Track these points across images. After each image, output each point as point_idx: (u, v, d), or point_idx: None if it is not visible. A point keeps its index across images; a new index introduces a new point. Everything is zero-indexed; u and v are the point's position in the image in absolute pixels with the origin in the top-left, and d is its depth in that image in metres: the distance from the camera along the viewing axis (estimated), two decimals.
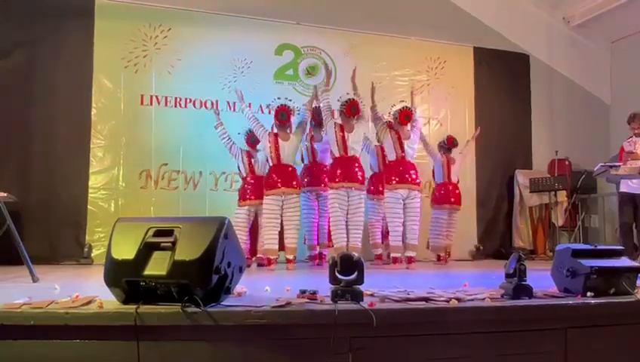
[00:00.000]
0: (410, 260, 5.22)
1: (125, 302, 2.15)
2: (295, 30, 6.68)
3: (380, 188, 5.56)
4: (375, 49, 6.92)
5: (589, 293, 2.51)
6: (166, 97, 6.14)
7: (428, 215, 5.91)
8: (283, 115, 5.13)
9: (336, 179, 5.04)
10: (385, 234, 5.63)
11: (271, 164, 5.15)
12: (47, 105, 5.71)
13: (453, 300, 2.32)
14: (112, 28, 5.98)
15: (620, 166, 5.07)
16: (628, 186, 5.40)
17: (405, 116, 5.30)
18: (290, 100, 5.37)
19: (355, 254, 2.31)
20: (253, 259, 5.36)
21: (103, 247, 5.22)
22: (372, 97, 5.42)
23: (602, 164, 5.22)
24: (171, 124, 6.12)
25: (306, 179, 5.44)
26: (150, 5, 6.17)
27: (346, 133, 5.08)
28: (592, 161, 6.25)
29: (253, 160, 5.42)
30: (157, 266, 2.11)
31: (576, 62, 7.93)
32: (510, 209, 7.42)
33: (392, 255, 5.28)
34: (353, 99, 5.13)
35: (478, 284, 3.06)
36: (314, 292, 2.36)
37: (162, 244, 2.16)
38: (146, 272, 2.11)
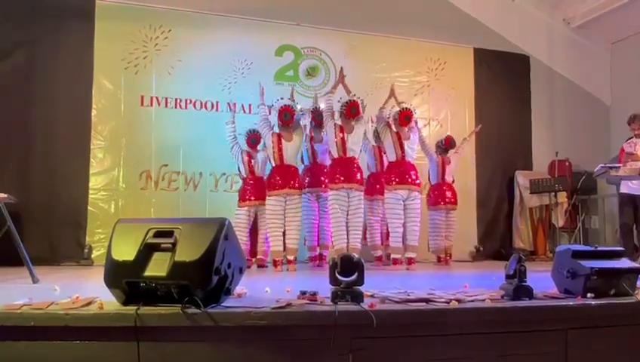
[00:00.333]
0: (410, 261, 5.22)
1: (125, 303, 2.15)
2: (295, 31, 6.68)
3: (377, 188, 5.56)
4: (375, 50, 6.93)
5: (589, 294, 2.51)
6: (166, 98, 6.15)
7: (426, 216, 5.90)
8: (287, 115, 5.13)
9: (336, 180, 5.04)
10: (385, 236, 5.64)
11: (273, 165, 5.16)
12: (47, 106, 5.71)
13: (453, 301, 2.31)
14: (113, 29, 5.98)
15: (620, 167, 5.07)
16: (628, 187, 5.39)
17: (405, 117, 5.31)
18: (294, 101, 5.39)
19: (356, 255, 2.31)
20: (254, 260, 5.36)
21: (103, 248, 5.22)
22: (387, 99, 5.49)
23: (602, 165, 5.22)
24: (171, 125, 6.12)
25: (306, 180, 5.44)
26: (150, 6, 6.17)
27: (345, 135, 5.09)
28: (592, 162, 6.25)
29: (253, 160, 5.42)
30: (157, 267, 2.11)
31: (576, 63, 7.93)
32: (510, 210, 7.42)
33: (393, 256, 5.28)
34: (354, 101, 5.13)
35: (479, 285, 3.06)
36: (314, 294, 2.36)
37: (162, 245, 2.16)
38: (146, 273, 2.11)
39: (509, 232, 7.39)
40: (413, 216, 5.24)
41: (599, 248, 2.79)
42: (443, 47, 7.25)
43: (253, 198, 5.28)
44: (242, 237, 5.06)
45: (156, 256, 2.15)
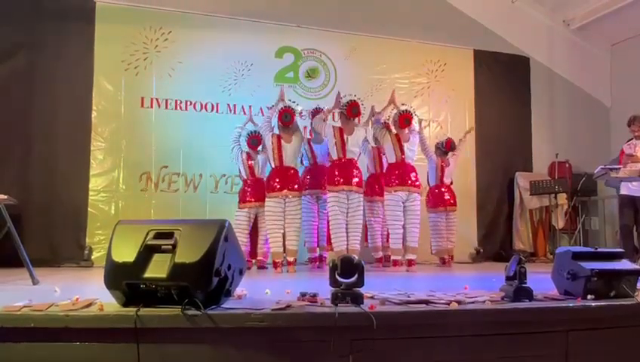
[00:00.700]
0: (410, 263, 5.21)
1: (125, 304, 2.15)
2: (295, 33, 6.69)
3: (377, 190, 5.56)
4: (375, 52, 6.94)
5: (589, 296, 2.51)
6: (166, 100, 6.15)
7: (426, 218, 5.89)
8: (287, 116, 5.13)
9: (336, 182, 5.04)
10: (385, 237, 5.63)
11: (273, 166, 5.16)
12: (47, 107, 5.72)
13: (453, 303, 2.31)
14: (113, 30, 5.99)
15: (620, 168, 5.07)
16: (628, 189, 5.39)
17: (405, 120, 5.30)
18: (295, 102, 5.40)
19: (356, 257, 2.31)
20: (254, 261, 5.36)
21: (104, 250, 5.23)
22: (387, 106, 5.51)
23: (602, 167, 5.22)
24: (172, 126, 6.12)
25: (307, 181, 5.44)
26: (151, 8, 6.17)
27: (345, 136, 5.09)
28: (592, 163, 6.25)
29: (253, 162, 5.42)
30: (157, 269, 2.11)
31: (576, 65, 7.94)
32: (510, 211, 7.42)
33: (393, 257, 5.27)
34: (354, 101, 5.14)
35: (479, 287, 3.06)
36: (314, 295, 2.37)
37: (162, 247, 2.16)
38: (147, 275, 2.11)
39: (509, 234, 7.39)
40: (413, 217, 5.23)
41: (599, 250, 2.79)
42: (443, 48, 7.26)
43: (253, 200, 5.28)
44: (242, 238, 5.06)
45: (156, 257, 2.15)
